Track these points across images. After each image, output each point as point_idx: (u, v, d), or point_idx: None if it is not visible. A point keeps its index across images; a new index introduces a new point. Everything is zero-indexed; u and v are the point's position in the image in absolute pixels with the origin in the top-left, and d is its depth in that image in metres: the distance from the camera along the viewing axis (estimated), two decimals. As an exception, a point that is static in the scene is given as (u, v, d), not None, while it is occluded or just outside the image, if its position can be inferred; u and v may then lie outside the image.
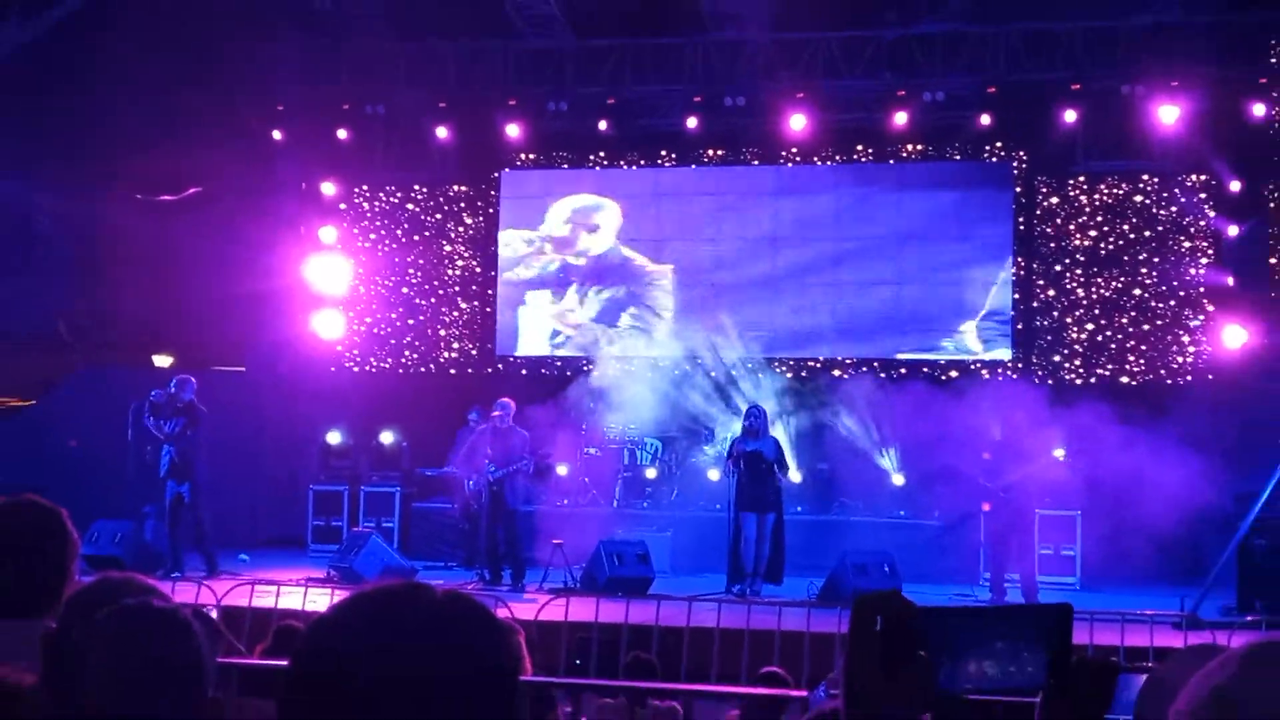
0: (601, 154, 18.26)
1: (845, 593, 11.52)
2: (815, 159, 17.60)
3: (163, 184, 18.81)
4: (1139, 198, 16.73)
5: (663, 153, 18.13)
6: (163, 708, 1.95)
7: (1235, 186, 15.84)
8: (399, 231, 18.94)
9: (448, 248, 18.86)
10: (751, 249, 17.63)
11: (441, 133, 18.01)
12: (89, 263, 18.84)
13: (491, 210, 18.69)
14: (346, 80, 17.90)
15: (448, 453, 15.43)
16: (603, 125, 17.61)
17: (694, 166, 18.04)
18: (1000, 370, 16.81)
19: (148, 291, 18.31)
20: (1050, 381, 16.20)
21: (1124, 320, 16.68)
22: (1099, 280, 16.77)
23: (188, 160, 17.92)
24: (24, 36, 17.41)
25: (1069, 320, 16.87)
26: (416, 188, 18.94)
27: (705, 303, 17.65)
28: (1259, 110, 14.64)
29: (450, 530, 15.36)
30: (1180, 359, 16.45)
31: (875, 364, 17.09)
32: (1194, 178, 16.39)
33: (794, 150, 17.46)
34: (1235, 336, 15.27)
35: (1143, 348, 16.60)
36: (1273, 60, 12.06)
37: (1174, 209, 16.56)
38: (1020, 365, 16.78)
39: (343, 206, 18.89)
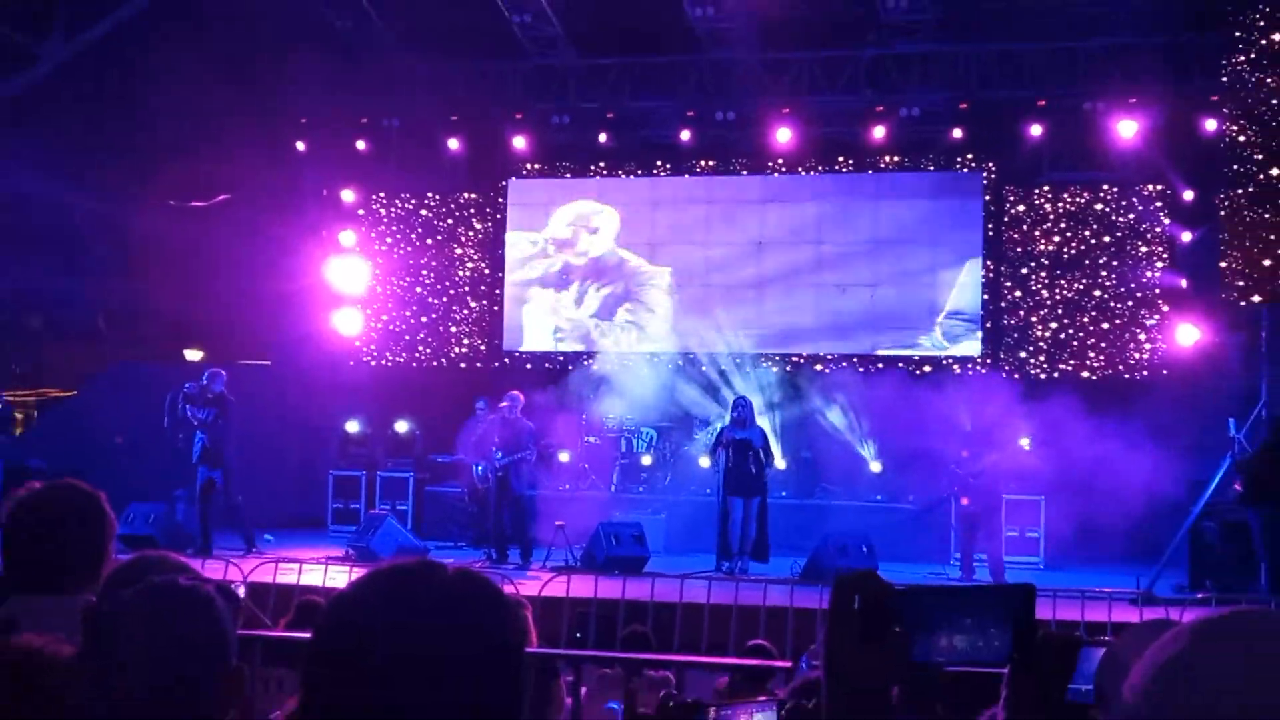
0: (602, 164, 18.24)
1: (826, 571, 11.51)
2: (800, 169, 17.58)
3: (195, 191, 18.80)
4: (1099, 206, 16.73)
5: (659, 163, 18.11)
6: (187, 676, 1.96)
7: (1188, 196, 15.84)
8: (413, 235, 18.92)
9: (458, 251, 18.85)
10: (741, 252, 17.62)
11: (453, 144, 18.01)
12: (126, 263, 18.83)
13: (499, 216, 18.67)
14: (365, 95, 17.89)
15: (457, 441, 15.44)
16: (603, 137, 17.61)
17: (687, 176, 18.02)
18: (970, 365, 16.80)
19: (180, 290, 18.30)
20: (1017, 376, 16.19)
21: (1085, 319, 16.68)
22: (1062, 282, 16.77)
23: (218, 169, 17.92)
24: (67, 54, 17.39)
25: (1034, 319, 16.87)
26: (429, 195, 18.92)
27: (698, 302, 17.65)
28: (1210, 125, 14.64)
29: (460, 512, 15.34)
30: (1137, 355, 16.45)
31: (855, 359, 17.08)
32: (1150, 187, 16.39)
33: (780, 161, 17.44)
34: (1188, 335, 15.28)
35: (1102, 345, 16.60)
36: (1223, 79, 12.05)
37: (1131, 216, 16.56)
38: (989, 360, 16.77)
39: (361, 212, 18.88)
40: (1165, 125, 15.54)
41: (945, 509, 13.74)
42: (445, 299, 18.79)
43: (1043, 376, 16.43)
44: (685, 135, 17.33)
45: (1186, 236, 15.96)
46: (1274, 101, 11.65)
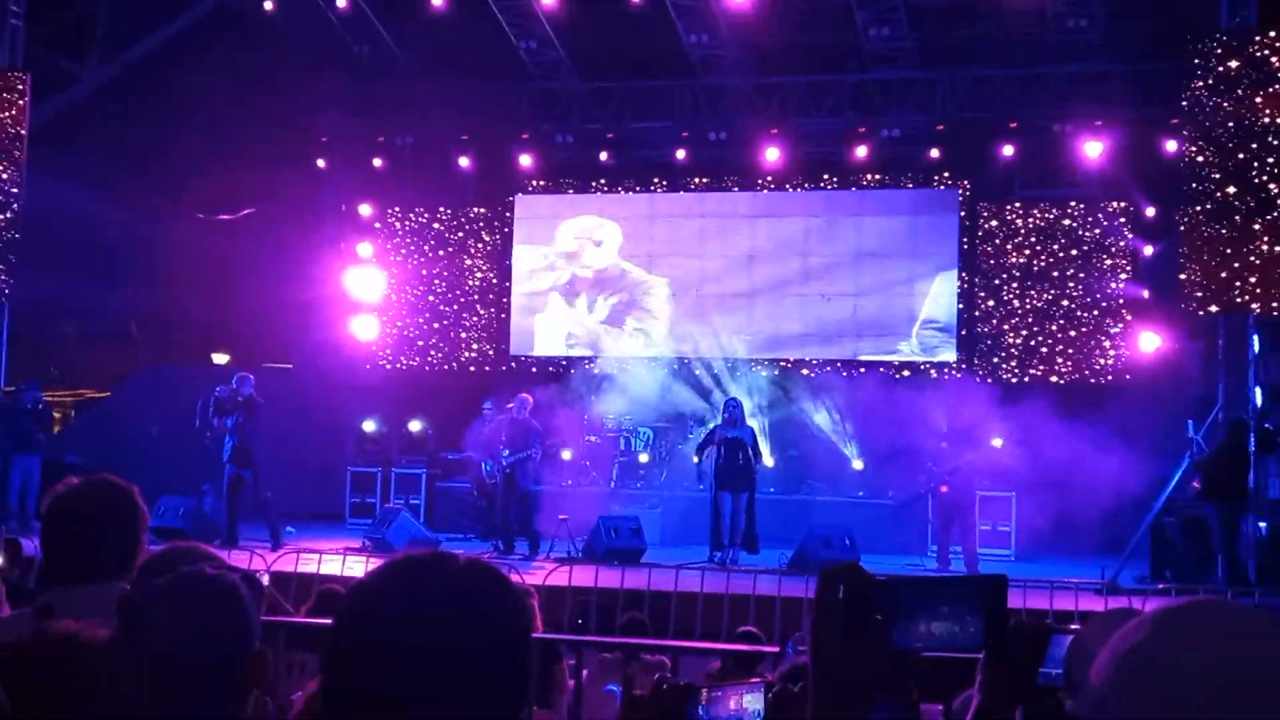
0: (603, 180, 18.23)
1: (812, 562, 11.49)
2: (788, 186, 17.58)
3: (222, 205, 18.83)
4: (1067, 221, 16.74)
5: (656, 180, 18.10)
6: (215, 659, 1.96)
7: (1150, 212, 15.86)
8: (425, 247, 18.91)
9: (468, 262, 18.84)
10: (733, 264, 17.61)
11: (463, 162, 18.01)
12: (157, 272, 18.81)
13: (507, 230, 18.66)
14: (381, 116, 17.90)
15: (465, 439, 15.42)
16: (604, 156, 17.62)
17: (683, 192, 18.01)
18: (946, 370, 16.80)
19: (207, 298, 18.31)
20: (990, 380, 16.18)
21: (1054, 327, 16.67)
22: (1032, 292, 16.77)
23: (244, 184, 17.94)
24: (103, 77, 17.41)
25: (1006, 327, 16.87)
26: (441, 209, 18.91)
27: (693, 310, 17.66)
28: (1170, 146, 14.65)
29: (470, 507, 15.32)
30: (1102, 362, 16.45)
31: (839, 364, 17.08)
32: (1114, 204, 16.40)
33: (769, 178, 17.44)
34: (1150, 342, 15.31)
35: (1070, 351, 16.60)
36: (1182, 103, 12.06)
37: (1097, 231, 16.57)
38: (964, 366, 16.77)
39: (377, 225, 18.87)
40: (1129, 146, 15.56)
41: (923, 504, 13.72)
42: (456, 307, 18.78)
43: (1014, 381, 16.41)
44: (681, 154, 17.34)
45: (1148, 250, 15.97)
46: (1230, 124, 11.66)
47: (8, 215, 13.86)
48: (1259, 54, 11.67)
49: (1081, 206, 16.63)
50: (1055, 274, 16.69)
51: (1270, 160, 11.54)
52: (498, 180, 18.29)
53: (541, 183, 18.36)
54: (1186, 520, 12.18)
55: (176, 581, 2.02)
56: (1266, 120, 11.59)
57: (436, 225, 18.92)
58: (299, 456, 16.62)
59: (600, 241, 18.14)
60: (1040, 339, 16.70)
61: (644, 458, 16.51)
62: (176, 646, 1.94)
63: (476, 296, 18.77)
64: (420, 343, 18.76)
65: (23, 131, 13.86)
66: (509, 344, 18.50)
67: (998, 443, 13.27)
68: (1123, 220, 16.39)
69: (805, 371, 17.14)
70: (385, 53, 17.47)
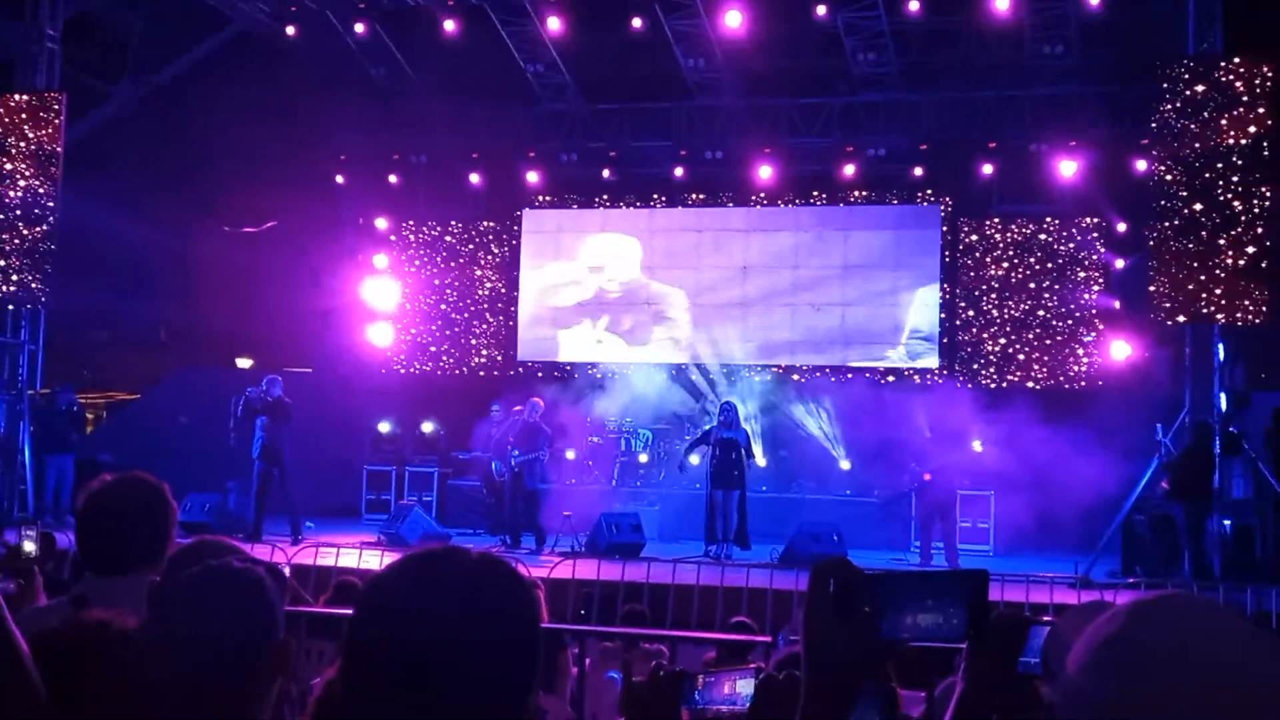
0: (605, 196, 18.24)
1: (802, 557, 11.49)
2: (779, 202, 17.59)
3: (246, 218, 18.84)
4: (1043, 236, 16.75)
5: (655, 196, 18.11)
6: (241, 648, 1.95)
7: (1121, 228, 15.89)
8: (438, 259, 18.92)
9: (478, 272, 18.84)
10: (727, 275, 17.61)
11: (474, 178, 18.05)
12: (185, 282, 18.84)
13: (514, 242, 18.66)
14: (396, 135, 17.94)
15: (473, 439, 15.41)
16: (606, 173, 17.65)
17: (680, 208, 18.02)
18: (929, 376, 16.80)
19: (232, 306, 18.31)
20: (970, 386, 16.17)
21: (1030, 336, 16.68)
22: (1010, 303, 16.78)
23: (267, 199, 17.95)
24: (135, 96, 17.42)
25: (985, 336, 16.87)
26: (453, 223, 18.93)
27: (691, 318, 17.64)
28: (1141, 165, 14.66)
29: (479, 503, 15.31)
30: (1076, 368, 16.46)
31: (827, 370, 17.07)
32: (1088, 220, 16.42)
33: (762, 195, 17.46)
34: (1121, 350, 15.31)
35: (1045, 359, 16.61)
36: (1152, 125, 12.06)
37: (1072, 245, 16.58)
38: (945, 372, 16.77)
39: (392, 238, 18.89)
40: (1101, 165, 15.60)
41: (906, 502, 13.71)
42: (466, 315, 18.79)
43: (993, 386, 16.41)
44: (678, 172, 17.38)
45: (1120, 263, 16.00)
46: (1196, 145, 11.67)
47: (44, 228, 13.86)
48: (1224, 79, 11.69)
49: (1057, 222, 16.64)
50: (1032, 286, 16.70)
51: (1234, 179, 11.55)
52: (506, 196, 18.31)
53: (547, 198, 18.37)
54: (1155, 518, 12.18)
55: (205, 574, 2.01)
56: (1231, 141, 11.60)
57: (448, 238, 18.93)
58: (318, 455, 16.59)
59: (616, 259, 18.08)
60: (1018, 347, 16.70)
61: (643, 458, 16.49)
62: (205, 636, 1.94)
63: (486, 305, 18.78)
64: (432, 348, 18.77)
65: (59, 149, 13.87)
66: (515, 350, 18.49)
67: (977, 444, 13.26)
68: (1095, 235, 16.40)
69: (796, 377, 17.13)
70: (400, 76, 17.50)
